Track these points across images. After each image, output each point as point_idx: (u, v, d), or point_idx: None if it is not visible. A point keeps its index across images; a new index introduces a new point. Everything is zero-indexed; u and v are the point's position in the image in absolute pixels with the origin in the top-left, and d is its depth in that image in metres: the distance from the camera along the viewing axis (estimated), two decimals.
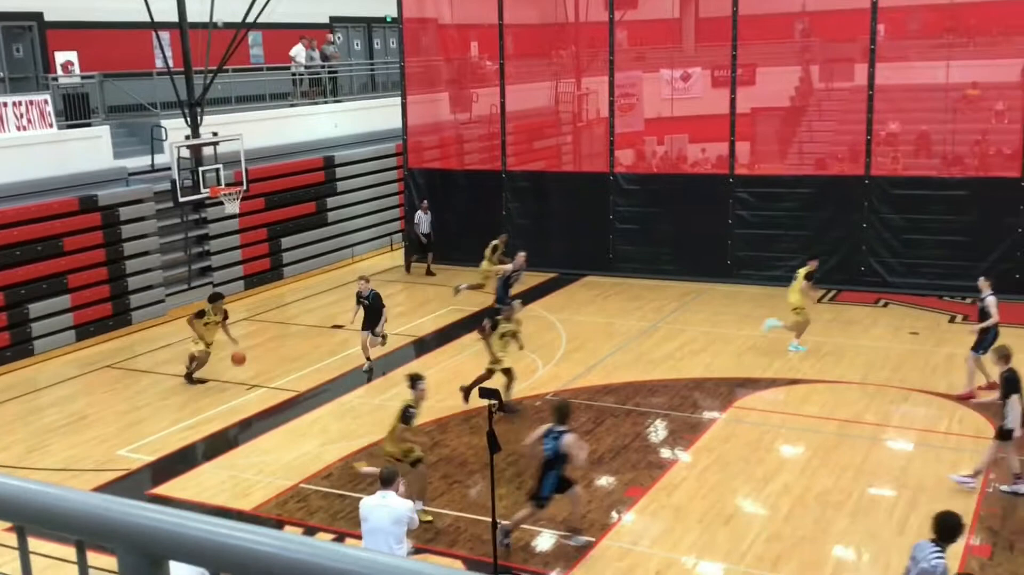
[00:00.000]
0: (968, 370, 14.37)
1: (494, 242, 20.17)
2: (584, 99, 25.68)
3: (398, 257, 24.54)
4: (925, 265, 19.51)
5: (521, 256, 17.98)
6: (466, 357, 16.83)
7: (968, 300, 18.95)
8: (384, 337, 16.38)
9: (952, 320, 18.09)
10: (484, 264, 19.84)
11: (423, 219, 23.15)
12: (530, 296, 20.87)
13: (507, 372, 14.09)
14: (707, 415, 14.04)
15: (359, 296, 16.22)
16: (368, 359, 16.23)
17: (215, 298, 16.01)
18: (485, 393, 9.12)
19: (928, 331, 17.43)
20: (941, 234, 19.41)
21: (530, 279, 21.73)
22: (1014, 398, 11.01)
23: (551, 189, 23.10)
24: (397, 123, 24.19)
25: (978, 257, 19.10)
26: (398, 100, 24.11)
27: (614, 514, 10.90)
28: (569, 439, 9.82)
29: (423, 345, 18.05)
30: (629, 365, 16.15)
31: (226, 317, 15.94)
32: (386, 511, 8.31)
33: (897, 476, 11.92)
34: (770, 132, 24.44)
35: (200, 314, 15.85)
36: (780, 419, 13.90)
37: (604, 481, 11.84)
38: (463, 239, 22.43)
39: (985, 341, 14.07)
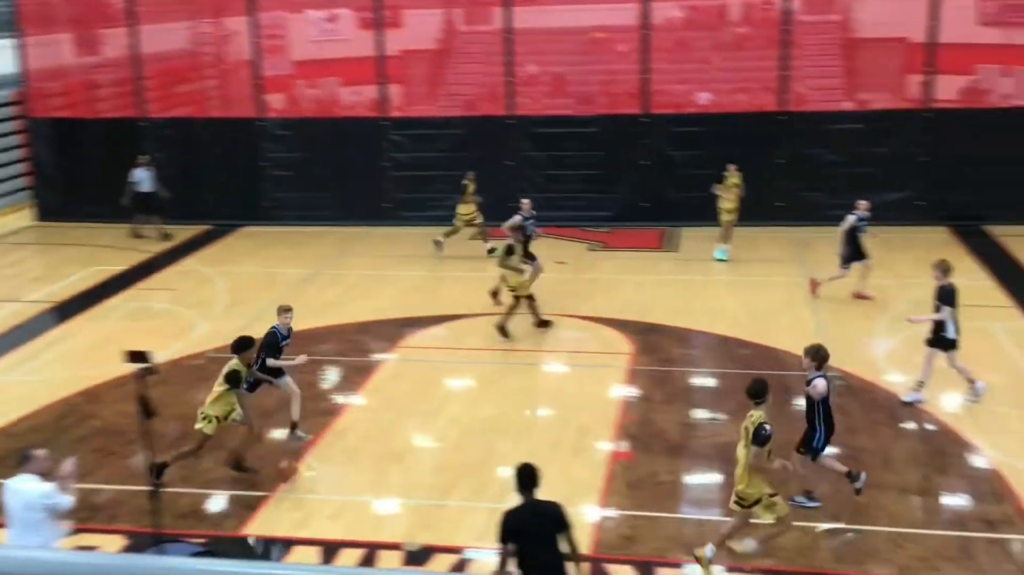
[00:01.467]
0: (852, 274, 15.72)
1: (464, 181, 19.10)
2: (226, 40, 24.51)
3: (25, 217, 22.30)
4: (566, 198, 20.92)
5: (527, 203, 17.12)
6: (114, 321, 15.74)
7: (606, 229, 20.68)
8: None
9: (592, 249, 19.61)
10: (461, 208, 19.08)
11: (144, 177, 20.47)
12: (182, 251, 19.87)
13: (530, 297, 14.68)
14: (375, 357, 14.25)
15: None
16: None
17: None
18: (135, 357, 8.56)
19: (573, 260, 18.78)
20: (579, 168, 20.91)
21: (181, 233, 20.70)
22: (948, 310, 11.73)
23: (198, 136, 21.99)
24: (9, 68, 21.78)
25: (611, 188, 20.84)
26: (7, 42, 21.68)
27: (284, 463, 10.78)
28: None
29: (64, 311, 16.60)
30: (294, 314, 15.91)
31: None
32: (17, 497, 7.62)
33: (551, 397, 12.86)
34: (421, 74, 24.80)
35: None
36: (445, 354, 14.42)
37: (277, 434, 11.67)
38: (99, 192, 20.87)
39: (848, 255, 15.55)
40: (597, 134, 20.83)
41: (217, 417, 10.38)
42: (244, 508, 10.11)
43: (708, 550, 8.77)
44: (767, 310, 15.56)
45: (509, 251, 14.87)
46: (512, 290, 14.78)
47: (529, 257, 15.90)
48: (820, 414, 9.80)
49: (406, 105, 23.00)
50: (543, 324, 14.96)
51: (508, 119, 21.03)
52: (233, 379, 10.39)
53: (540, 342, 14.72)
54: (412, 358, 14.20)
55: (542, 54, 22.72)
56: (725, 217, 18.27)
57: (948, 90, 20.33)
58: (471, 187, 19.04)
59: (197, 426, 10.42)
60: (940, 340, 11.83)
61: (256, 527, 9.79)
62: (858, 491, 9.73)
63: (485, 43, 24.10)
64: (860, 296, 15.77)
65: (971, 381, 11.94)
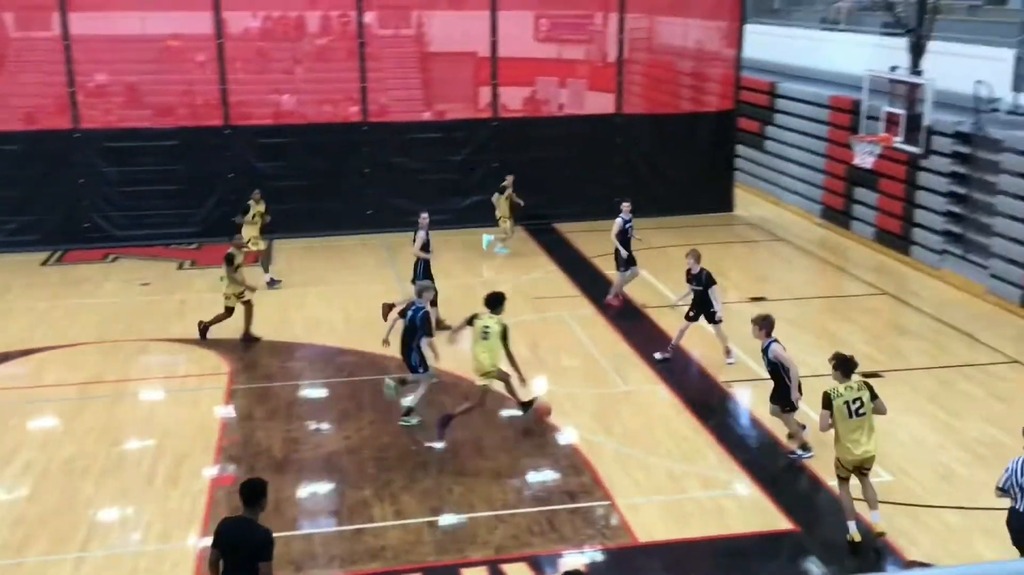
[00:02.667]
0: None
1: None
2: None
3: None
4: (149, 216, 19.79)
5: (627, 206, 16.03)
6: None
7: (194, 245, 19.83)
8: None
9: (180, 267, 18.70)
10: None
11: None
12: None
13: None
14: None
15: None
16: None
17: None
18: None
19: (160, 280, 17.78)
20: (160, 184, 19.84)
21: None
22: (715, 288, 13.33)
23: None
24: None
25: (197, 203, 20.01)
26: None
27: None
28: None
29: None
30: None
31: None
32: None
33: (142, 428, 12.04)
34: None
35: None
36: (17, 395, 12.96)
37: None
38: None
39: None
40: (177, 147, 19.91)
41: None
42: None
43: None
44: (364, 317, 15.79)
45: (230, 261, 14.34)
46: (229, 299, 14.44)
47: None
48: (786, 372, 10.74)
49: None
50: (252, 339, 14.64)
51: (73, 132, 19.42)
52: None
53: (127, 370, 13.75)
54: None
55: (112, 63, 21.23)
56: (503, 224, 19.02)
57: (513, 100, 22.06)
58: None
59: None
60: (708, 316, 13.53)
61: None
62: (794, 456, 10.97)
63: (43, 51, 22.02)
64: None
65: (728, 349, 13.63)
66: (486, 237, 18.68)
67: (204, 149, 19.98)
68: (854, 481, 9.39)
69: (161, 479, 10.67)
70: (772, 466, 11.01)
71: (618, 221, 15.94)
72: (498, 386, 11.64)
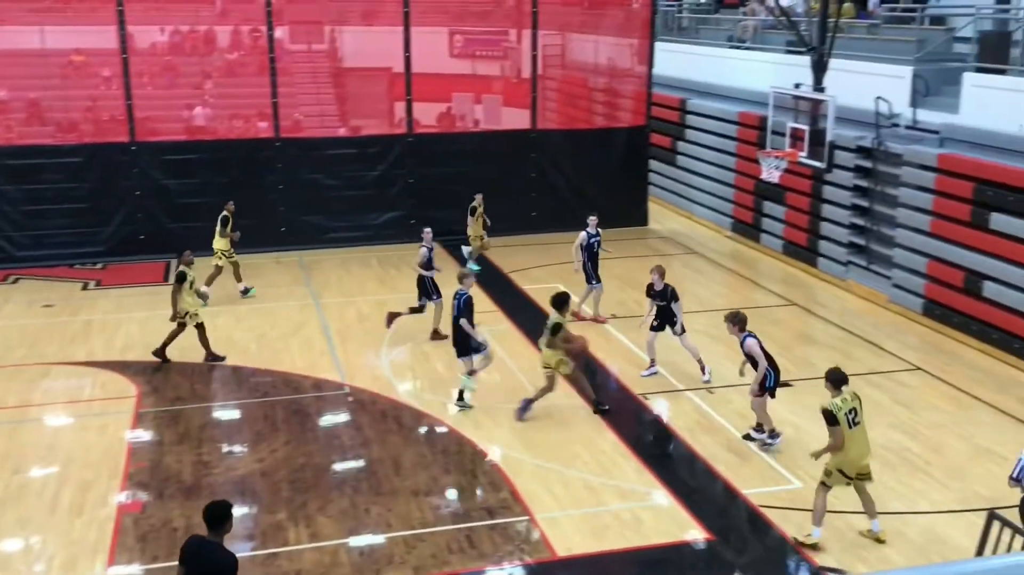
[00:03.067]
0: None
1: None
2: None
3: None
4: (51, 235, 19.18)
5: (593, 219, 16.30)
6: None
7: (99, 265, 19.27)
8: None
9: (85, 287, 18.13)
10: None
11: None
12: None
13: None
14: None
15: None
16: None
17: None
18: None
19: (63, 301, 17.21)
20: (63, 202, 19.25)
21: None
22: (678, 304, 13.80)
23: None
24: None
25: (102, 222, 19.46)
26: None
27: None
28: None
29: None
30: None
31: None
32: None
33: (45, 454, 11.61)
34: None
35: None
36: None
37: None
38: None
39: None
40: (82, 164, 19.35)
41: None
42: None
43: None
44: (277, 335, 15.57)
45: (181, 279, 13.99)
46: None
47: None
48: (755, 365, 11.31)
49: None
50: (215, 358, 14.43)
51: None
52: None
53: (29, 395, 13.25)
54: None
55: (12, 78, 20.57)
56: (475, 243, 18.84)
57: (428, 116, 22.04)
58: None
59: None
60: (672, 327, 13.87)
61: None
62: (763, 444, 11.58)
63: None
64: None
65: (700, 362, 13.77)
66: (465, 248, 19.17)
67: (109, 166, 19.46)
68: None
69: (65, 507, 10.30)
70: (689, 477, 11.15)
71: (582, 235, 16.19)
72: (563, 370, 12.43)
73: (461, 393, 12.82)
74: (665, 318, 13.95)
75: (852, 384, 13.61)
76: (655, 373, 13.98)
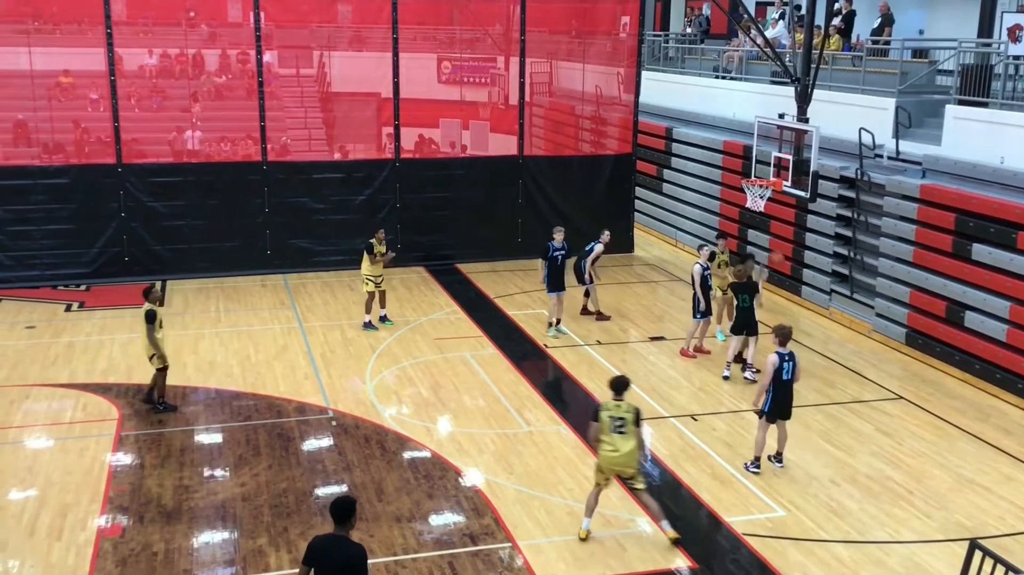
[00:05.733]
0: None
1: (371, 240, 16.59)
2: None
3: None
4: (35, 256, 19.11)
5: (559, 233, 16.91)
6: None
7: (83, 287, 19.21)
8: None
9: (68, 309, 18.04)
10: (367, 267, 16.61)
11: None
12: None
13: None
14: None
15: None
16: None
17: None
18: None
19: (45, 323, 17.11)
20: (49, 223, 19.19)
21: None
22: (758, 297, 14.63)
23: None
24: None
25: (87, 243, 19.40)
26: None
27: None
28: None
29: None
30: None
31: None
32: None
33: (24, 477, 11.50)
34: None
35: None
36: None
37: None
38: None
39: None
40: (68, 185, 19.31)
41: None
42: None
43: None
44: (261, 359, 15.51)
45: (151, 318, 12.97)
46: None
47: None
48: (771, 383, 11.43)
49: None
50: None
51: None
52: None
53: (10, 417, 13.14)
54: None
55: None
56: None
57: (416, 141, 22.11)
58: (380, 243, 16.86)
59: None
60: (751, 329, 14.61)
61: None
62: (747, 467, 11.76)
63: None
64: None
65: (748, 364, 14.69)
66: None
67: (95, 187, 19.41)
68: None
69: (44, 531, 10.20)
70: (673, 503, 11.13)
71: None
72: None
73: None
74: (746, 320, 14.63)
75: (833, 412, 13.78)
76: (756, 372, 14.53)
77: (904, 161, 17.10)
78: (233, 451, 12.29)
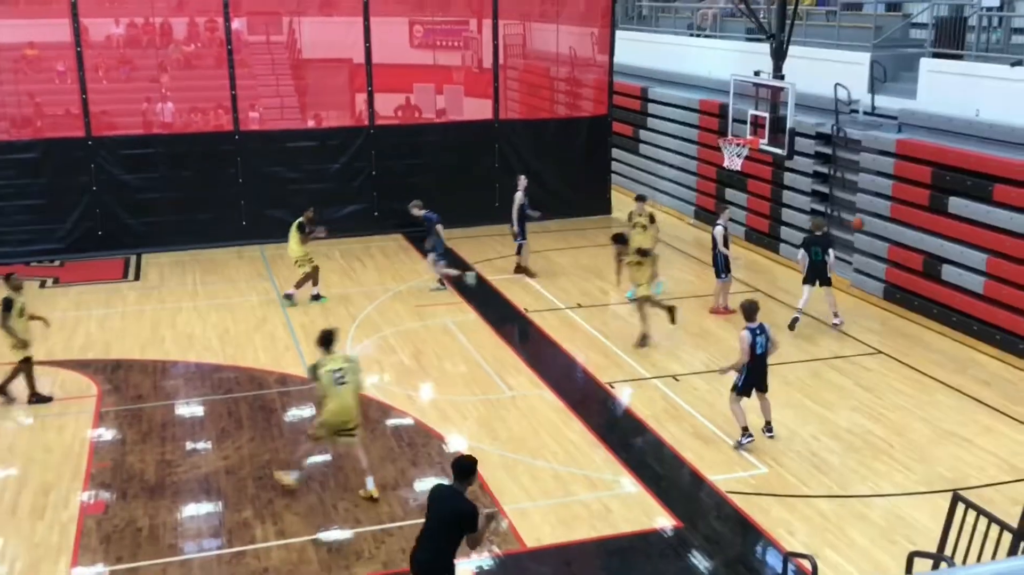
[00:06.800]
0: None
1: (300, 220, 16.26)
2: None
3: None
4: (7, 233, 18.84)
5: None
6: None
7: (56, 262, 18.98)
8: None
9: (43, 285, 17.82)
10: (296, 248, 16.26)
11: None
12: None
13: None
14: None
15: None
16: None
17: None
18: None
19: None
20: (19, 199, 18.90)
21: None
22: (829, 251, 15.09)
23: None
24: None
25: (59, 219, 19.14)
26: None
27: None
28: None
29: None
30: None
31: None
32: None
33: (4, 456, 11.40)
34: None
35: None
36: None
37: None
38: None
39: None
40: (38, 160, 19.01)
41: None
42: None
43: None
44: (240, 331, 15.41)
45: (7, 306, 12.54)
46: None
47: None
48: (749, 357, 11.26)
49: None
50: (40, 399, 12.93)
51: None
52: None
53: None
54: None
55: None
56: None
57: (389, 107, 21.88)
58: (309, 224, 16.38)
59: None
60: (824, 280, 15.16)
61: None
62: (739, 445, 11.35)
63: None
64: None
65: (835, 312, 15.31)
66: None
67: (65, 162, 19.12)
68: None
69: (26, 510, 10.12)
70: (656, 464, 11.19)
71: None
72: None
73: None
74: (817, 272, 15.11)
75: (813, 368, 13.85)
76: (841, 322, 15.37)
77: (880, 116, 17.08)
78: (215, 424, 12.22)
